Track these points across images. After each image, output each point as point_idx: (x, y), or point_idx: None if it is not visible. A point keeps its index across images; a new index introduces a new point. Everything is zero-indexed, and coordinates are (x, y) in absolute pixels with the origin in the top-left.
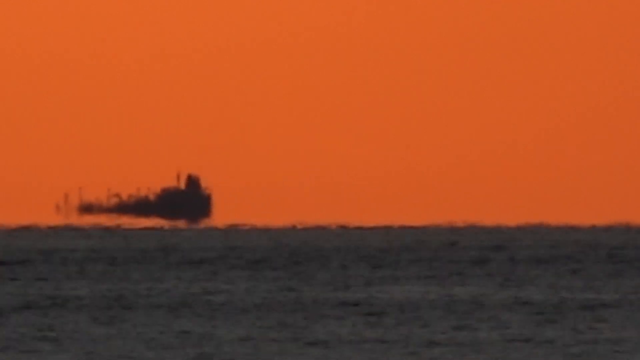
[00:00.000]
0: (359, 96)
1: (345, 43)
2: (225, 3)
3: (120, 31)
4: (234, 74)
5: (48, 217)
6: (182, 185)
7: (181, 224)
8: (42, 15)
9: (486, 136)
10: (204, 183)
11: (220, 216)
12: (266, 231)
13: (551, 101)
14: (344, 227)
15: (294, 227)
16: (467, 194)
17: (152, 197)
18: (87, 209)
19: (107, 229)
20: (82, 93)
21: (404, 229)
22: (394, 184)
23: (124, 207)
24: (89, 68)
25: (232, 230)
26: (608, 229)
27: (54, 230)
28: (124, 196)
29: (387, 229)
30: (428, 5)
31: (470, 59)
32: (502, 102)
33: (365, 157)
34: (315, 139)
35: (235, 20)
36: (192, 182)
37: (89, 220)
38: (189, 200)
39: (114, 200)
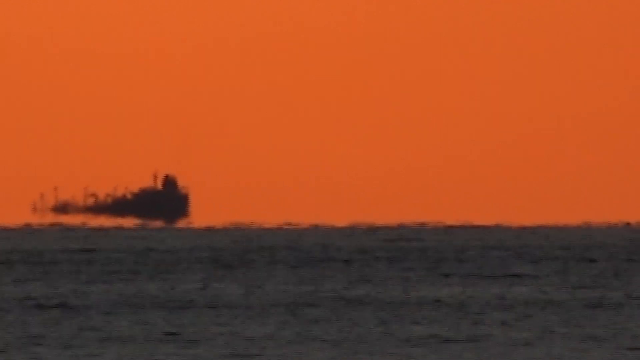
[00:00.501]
0: (338, 94)
1: (322, 40)
2: (202, 3)
3: (98, 32)
4: (211, 74)
5: (24, 217)
6: (159, 185)
7: (158, 224)
8: (19, 17)
9: (486, 136)
10: (181, 183)
11: (198, 216)
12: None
13: (551, 101)
14: (317, 226)
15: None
16: (466, 193)
17: (129, 196)
18: (62, 208)
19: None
20: (58, 93)
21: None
22: (373, 182)
23: (100, 207)
24: (65, 68)
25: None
26: None
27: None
28: (101, 196)
29: (353, 228)
30: (428, 5)
31: (471, 58)
32: (502, 102)
33: (347, 156)
34: (293, 138)
35: (211, 20)
36: (169, 182)
37: (64, 220)
38: (166, 200)
39: (90, 200)
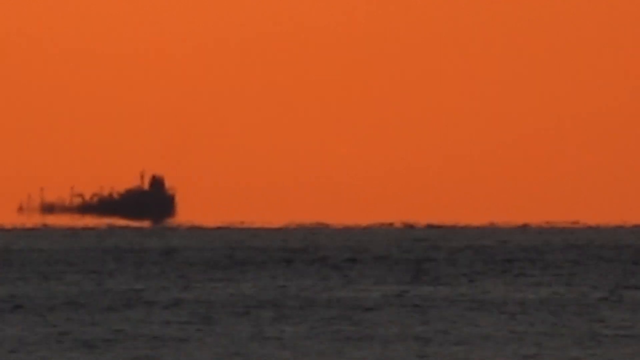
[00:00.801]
0: (327, 94)
1: (306, 40)
2: (191, 5)
3: (83, 32)
4: (198, 75)
5: (10, 218)
6: (146, 185)
7: (145, 224)
8: (7, 18)
9: (485, 137)
10: (168, 183)
11: (185, 216)
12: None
13: (551, 102)
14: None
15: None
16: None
17: (115, 197)
18: (49, 209)
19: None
20: (44, 93)
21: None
22: (362, 183)
23: (87, 207)
24: (51, 68)
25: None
26: None
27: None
28: (87, 196)
29: (324, 228)
30: (427, 5)
31: (471, 59)
32: (502, 102)
33: (341, 156)
34: (280, 139)
35: (201, 22)
36: (156, 182)
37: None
38: (153, 200)
39: (76, 200)
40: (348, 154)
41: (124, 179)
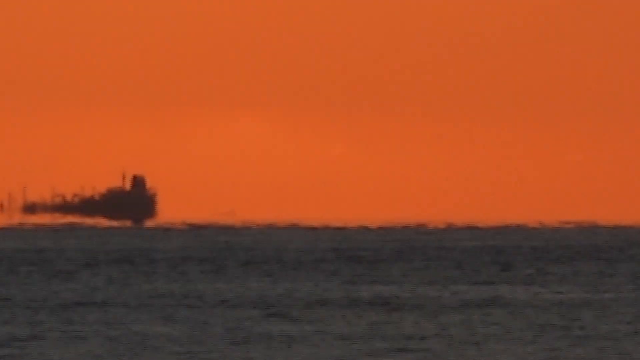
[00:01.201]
0: (304, 94)
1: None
2: (172, 5)
3: (62, 29)
4: (178, 75)
5: None
6: (128, 185)
7: (126, 223)
8: None
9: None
10: (149, 183)
11: (165, 216)
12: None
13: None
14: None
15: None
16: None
17: (97, 197)
18: (30, 208)
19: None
20: (25, 93)
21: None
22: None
23: (68, 207)
24: (31, 67)
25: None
26: None
27: None
28: (69, 196)
29: (285, 229)
30: (427, 5)
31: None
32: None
33: (328, 157)
34: (258, 140)
35: (180, 20)
36: (138, 182)
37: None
38: (134, 200)
39: (58, 200)
40: (340, 154)
41: (105, 179)
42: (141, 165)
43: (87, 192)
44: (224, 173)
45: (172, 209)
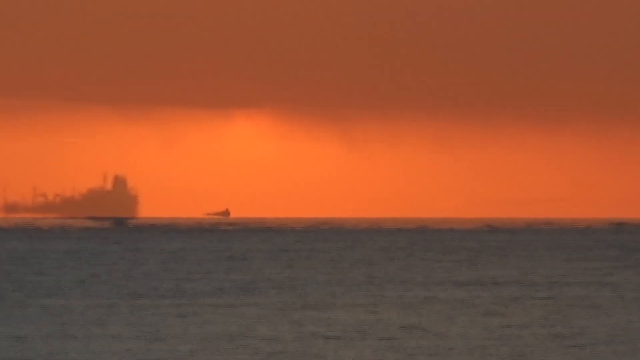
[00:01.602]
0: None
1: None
2: (165, 4)
3: (47, 29)
4: (161, 71)
5: None
6: (109, 185)
7: (107, 223)
8: None
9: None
10: (130, 183)
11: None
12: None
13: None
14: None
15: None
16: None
17: (78, 197)
18: (12, 208)
19: None
20: (6, 93)
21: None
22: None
23: (49, 207)
24: (13, 68)
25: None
26: None
27: None
28: (50, 196)
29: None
30: (427, 5)
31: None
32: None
33: (323, 158)
34: (244, 140)
35: (174, 20)
36: (119, 182)
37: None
38: (115, 200)
39: (39, 200)
40: (334, 154)
41: (86, 179)
42: (138, 165)
43: (68, 192)
44: (218, 173)
45: (170, 209)
